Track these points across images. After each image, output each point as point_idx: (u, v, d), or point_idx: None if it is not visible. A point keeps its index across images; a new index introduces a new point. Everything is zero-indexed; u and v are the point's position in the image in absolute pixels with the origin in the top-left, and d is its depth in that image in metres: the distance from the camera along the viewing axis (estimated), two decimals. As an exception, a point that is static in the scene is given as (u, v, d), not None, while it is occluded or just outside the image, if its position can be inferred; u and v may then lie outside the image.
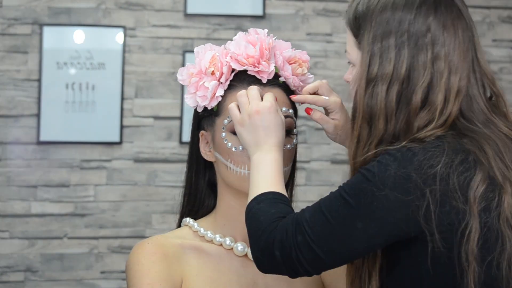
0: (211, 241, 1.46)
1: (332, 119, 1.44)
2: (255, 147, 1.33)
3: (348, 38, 1.31)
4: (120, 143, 3.46)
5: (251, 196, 1.28)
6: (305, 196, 3.13)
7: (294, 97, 1.42)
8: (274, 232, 1.20)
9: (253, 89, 1.36)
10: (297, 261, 1.19)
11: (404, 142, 1.19)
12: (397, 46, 1.22)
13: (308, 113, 1.42)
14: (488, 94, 1.29)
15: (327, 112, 1.46)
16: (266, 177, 1.29)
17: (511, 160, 1.19)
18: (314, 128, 3.51)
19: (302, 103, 1.44)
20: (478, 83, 1.25)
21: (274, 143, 1.32)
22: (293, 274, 1.22)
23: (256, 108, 1.33)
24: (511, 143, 1.21)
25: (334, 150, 3.53)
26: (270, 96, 1.36)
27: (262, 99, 1.36)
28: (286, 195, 1.29)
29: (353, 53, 1.30)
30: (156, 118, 3.49)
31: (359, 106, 1.24)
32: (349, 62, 1.33)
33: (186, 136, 3.46)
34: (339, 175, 3.47)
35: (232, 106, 1.37)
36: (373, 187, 1.14)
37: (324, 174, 3.48)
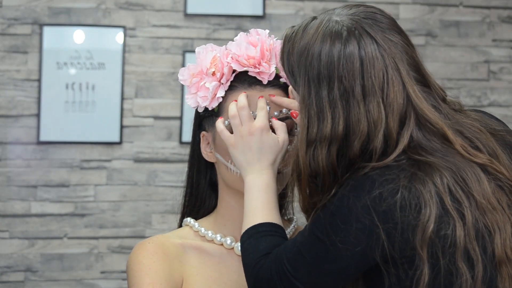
0: (212, 241, 1.47)
1: None
2: (248, 169, 1.34)
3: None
4: (120, 143, 3.46)
5: (244, 228, 1.31)
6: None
7: (273, 98, 1.41)
8: (261, 271, 1.24)
9: (244, 109, 1.36)
10: None
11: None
12: (330, 101, 1.19)
13: (293, 117, 1.41)
14: (443, 101, 1.25)
15: None
16: (257, 205, 1.31)
17: (471, 180, 1.16)
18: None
19: (280, 106, 1.42)
20: (428, 97, 1.21)
21: (266, 165, 1.34)
22: None
23: (249, 130, 1.35)
24: (471, 163, 1.18)
25: (334, 150, 3.52)
26: (261, 114, 1.36)
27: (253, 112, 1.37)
28: (278, 222, 1.30)
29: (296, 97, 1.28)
30: (156, 118, 3.49)
31: (303, 167, 1.22)
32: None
33: (186, 136, 3.46)
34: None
35: (222, 129, 1.38)
36: (337, 221, 1.15)
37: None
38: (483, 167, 1.18)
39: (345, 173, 1.20)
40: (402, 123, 1.19)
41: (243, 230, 1.30)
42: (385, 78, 1.19)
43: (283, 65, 1.27)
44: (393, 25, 1.24)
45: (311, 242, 1.18)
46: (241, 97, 1.38)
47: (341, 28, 1.21)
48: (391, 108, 1.18)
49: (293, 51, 1.24)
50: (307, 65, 1.22)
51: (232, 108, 1.37)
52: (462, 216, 1.14)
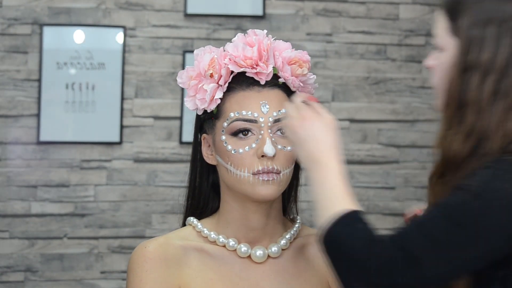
0: (214, 242, 1.46)
1: None
2: (310, 163, 1.23)
3: (440, 21, 1.24)
4: (120, 143, 3.46)
5: (325, 218, 1.16)
6: (306, 196, 3.12)
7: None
8: (378, 258, 1.10)
9: (293, 103, 1.30)
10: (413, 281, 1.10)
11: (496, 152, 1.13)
12: (498, 34, 1.16)
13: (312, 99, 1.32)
14: None
15: None
16: (339, 192, 1.18)
17: None
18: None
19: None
20: None
21: (327, 149, 1.23)
22: None
23: (297, 122, 1.26)
24: None
25: (334, 150, 3.52)
26: (298, 107, 1.29)
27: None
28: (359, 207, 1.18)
29: (445, 37, 1.22)
30: (156, 118, 3.49)
31: (450, 94, 1.17)
32: (433, 48, 1.26)
33: (186, 136, 3.47)
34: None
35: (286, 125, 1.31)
36: (481, 205, 1.09)
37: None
38: None
39: (489, 128, 1.13)
40: None
41: (326, 221, 1.16)
42: None
43: None
44: None
45: (447, 226, 1.09)
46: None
47: None
48: None
49: None
50: (480, 4, 1.19)
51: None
52: None
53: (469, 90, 1.16)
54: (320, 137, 1.23)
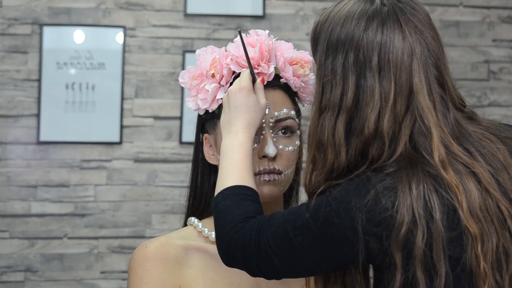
0: (214, 242, 1.46)
1: None
2: (225, 129, 1.34)
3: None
4: (120, 143, 3.46)
5: (219, 189, 1.27)
6: (303, 196, 3.12)
7: None
8: (237, 235, 1.21)
9: (244, 73, 1.37)
10: (256, 266, 1.20)
11: (356, 174, 1.16)
12: (344, 69, 1.18)
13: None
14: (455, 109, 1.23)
15: None
16: (233, 167, 1.28)
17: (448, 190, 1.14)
18: (314, 128, 3.51)
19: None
20: (442, 101, 1.20)
21: (243, 124, 1.32)
22: (252, 275, 1.23)
23: (230, 88, 1.35)
24: (466, 169, 1.15)
25: (334, 150, 3.53)
26: (245, 76, 1.36)
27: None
28: (253, 185, 1.27)
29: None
30: (156, 118, 3.49)
31: (311, 134, 1.22)
32: None
33: (186, 136, 3.47)
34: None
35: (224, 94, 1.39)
36: (333, 214, 1.13)
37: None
38: (478, 177, 1.15)
39: (350, 164, 1.17)
40: (406, 110, 1.17)
41: (218, 191, 1.27)
42: (400, 60, 1.17)
43: (312, 32, 1.27)
44: (429, 20, 1.23)
45: (301, 227, 1.16)
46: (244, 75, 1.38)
47: (374, 7, 1.21)
48: (400, 90, 1.16)
49: (324, 20, 1.24)
50: (328, 31, 1.21)
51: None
52: (425, 225, 1.11)
53: (325, 132, 1.19)
54: (240, 110, 1.32)
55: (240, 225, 1.21)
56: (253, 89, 1.36)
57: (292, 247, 1.16)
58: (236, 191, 1.25)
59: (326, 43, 1.21)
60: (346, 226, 1.13)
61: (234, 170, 1.28)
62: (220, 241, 1.24)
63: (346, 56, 1.19)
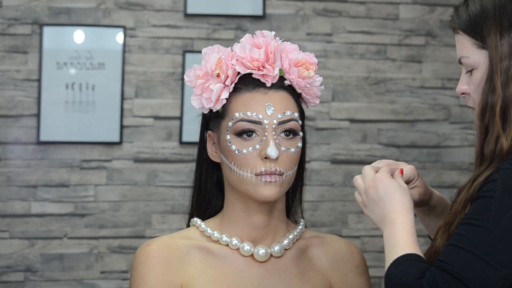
0: (217, 241, 1.47)
1: (414, 187, 1.42)
2: (382, 223, 1.30)
3: (463, 42, 1.28)
4: (120, 143, 3.46)
5: (387, 263, 1.24)
6: (305, 196, 3.13)
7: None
8: (423, 285, 1.17)
9: (366, 169, 1.36)
10: None
11: None
12: None
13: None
14: None
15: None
16: (397, 243, 1.25)
17: None
18: (314, 128, 3.51)
19: None
20: None
21: (397, 208, 1.29)
22: None
23: (368, 184, 1.33)
24: None
25: (334, 150, 3.53)
26: (382, 169, 1.35)
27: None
28: (422, 255, 1.24)
29: (474, 55, 1.26)
30: (156, 118, 3.49)
31: (496, 99, 1.21)
32: (467, 71, 1.29)
33: (186, 136, 3.47)
34: (339, 175, 3.47)
35: (356, 194, 1.38)
36: (507, 205, 1.12)
37: (324, 174, 3.48)
38: None
39: None
40: None
41: (387, 265, 1.24)
42: None
43: (461, 16, 1.28)
44: None
45: (473, 234, 1.13)
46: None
47: None
48: None
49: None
50: (502, 9, 1.22)
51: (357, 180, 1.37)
52: None
53: (509, 87, 1.19)
54: (389, 197, 1.29)
55: (419, 280, 1.17)
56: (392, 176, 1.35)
57: (474, 258, 1.13)
58: (406, 258, 1.22)
59: (501, 23, 1.22)
60: None
61: (399, 244, 1.25)
62: None
63: None
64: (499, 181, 1.14)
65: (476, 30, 1.25)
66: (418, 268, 1.19)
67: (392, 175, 1.35)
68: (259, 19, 3.53)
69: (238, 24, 3.52)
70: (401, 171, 1.37)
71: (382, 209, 1.29)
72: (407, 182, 1.39)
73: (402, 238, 1.24)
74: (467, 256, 1.14)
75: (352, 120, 3.59)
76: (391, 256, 1.23)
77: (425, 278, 1.16)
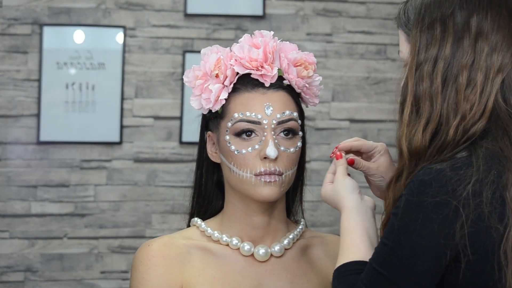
0: (217, 241, 1.48)
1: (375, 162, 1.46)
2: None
3: (400, 38, 1.32)
4: (120, 143, 3.46)
5: (336, 266, 1.30)
6: (305, 196, 3.13)
7: (340, 147, 1.45)
8: None
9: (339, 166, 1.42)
10: None
11: (432, 159, 1.19)
12: (442, 31, 1.23)
13: (352, 162, 1.44)
14: None
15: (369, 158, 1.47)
16: (343, 246, 1.30)
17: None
18: (314, 128, 3.51)
19: (347, 152, 1.46)
20: None
21: (346, 206, 1.35)
22: None
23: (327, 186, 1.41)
24: None
25: (334, 150, 3.53)
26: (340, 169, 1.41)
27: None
28: (366, 251, 1.28)
29: (406, 50, 1.31)
30: (156, 118, 3.50)
31: (409, 90, 1.25)
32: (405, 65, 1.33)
33: (186, 136, 3.47)
34: (339, 175, 3.46)
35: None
36: (407, 224, 1.15)
37: (324, 174, 3.46)
38: None
39: (445, 113, 1.20)
40: (497, 72, 1.21)
41: (335, 267, 1.30)
42: (496, 26, 1.22)
43: (400, 12, 1.31)
44: None
45: (384, 254, 1.18)
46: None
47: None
48: (497, 46, 1.21)
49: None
50: (427, 5, 1.26)
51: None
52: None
53: (422, 82, 1.23)
54: (339, 194, 1.37)
55: None
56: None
57: (385, 279, 1.17)
58: (342, 269, 1.27)
59: (424, 19, 1.26)
60: (425, 227, 1.14)
61: (345, 248, 1.31)
62: None
63: (443, 23, 1.24)
64: (403, 197, 1.18)
65: (407, 25, 1.30)
66: (349, 283, 1.24)
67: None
68: (259, 19, 3.53)
69: (238, 24, 3.53)
70: (351, 161, 1.43)
71: (335, 201, 1.38)
72: (371, 157, 1.45)
73: (346, 242, 1.30)
74: (375, 274, 1.18)
75: (352, 120, 3.59)
76: (338, 259, 1.29)
77: None
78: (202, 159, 1.52)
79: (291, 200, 1.56)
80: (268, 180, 1.40)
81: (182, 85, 3.47)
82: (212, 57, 1.43)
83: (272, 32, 1.44)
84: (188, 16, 3.50)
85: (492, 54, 1.21)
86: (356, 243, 1.29)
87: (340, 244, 1.31)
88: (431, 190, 1.14)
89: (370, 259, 1.21)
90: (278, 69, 1.43)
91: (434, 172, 1.16)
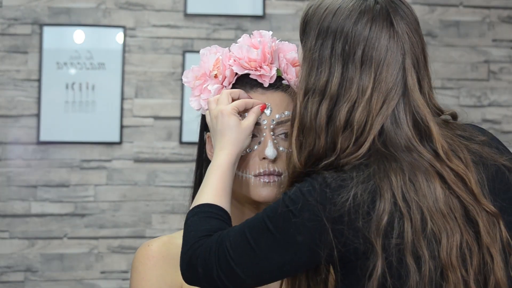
0: None
1: None
2: (214, 153, 1.35)
3: (299, 45, 1.32)
4: (120, 143, 3.46)
5: (193, 205, 1.30)
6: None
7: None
8: (199, 249, 1.22)
9: (223, 93, 1.37)
10: (218, 279, 1.19)
11: (325, 163, 1.19)
12: (332, 57, 1.22)
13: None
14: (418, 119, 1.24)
15: None
16: (208, 186, 1.30)
17: (422, 186, 1.16)
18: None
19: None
20: (406, 106, 1.21)
21: (222, 146, 1.33)
22: None
23: (214, 112, 1.36)
24: (432, 169, 1.18)
25: (334, 150, 3.53)
26: (222, 97, 1.37)
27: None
28: (225, 206, 1.29)
29: (300, 56, 1.31)
30: (156, 118, 3.49)
31: (296, 116, 1.25)
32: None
33: (186, 136, 3.47)
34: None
35: (206, 114, 1.40)
36: (290, 214, 1.16)
37: (324, 174, 3.47)
38: (443, 177, 1.18)
39: (325, 150, 1.20)
40: (382, 106, 1.20)
41: (192, 207, 1.30)
42: (384, 57, 1.20)
43: (303, 14, 1.30)
44: (417, 27, 1.26)
45: (259, 229, 1.18)
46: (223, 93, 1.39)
47: (367, 3, 1.23)
48: (379, 86, 1.20)
49: (318, 5, 1.27)
50: (321, 18, 1.24)
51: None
52: (410, 216, 1.14)
53: (309, 115, 1.22)
54: (224, 133, 1.34)
55: (201, 241, 1.23)
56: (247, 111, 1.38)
57: (251, 251, 1.18)
58: (205, 209, 1.27)
59: (318, 28, 1.24)
60: (304, 226, 1.14)
61: (208, 189, 1.29)
62: (182, 257, 1.24)
63: (334, 44, 1.22)
64: (295, 188, 1.18)
65: (302, 35, 1.30)
66: (209, 226, 1.24)
67: (246, 110, 1.38)
68: (259, 19, 3.53)
69: (238, 24, 3.52)
70: (263, 107, 1.39)
71: (214, 141, 1.35)
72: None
73: (212, 184, 1.29)
74: (244, 240, 1.19)
75: (352, 120, 3.59)
76: (197, 198, 1.29)
77: (207, 240, 1.22)
78: (202, 160, 1.52)
79: None
80: (267, 181, 1.40)
81: (182, 85, 3.47)
82: (211, 57, 1.42)
83: (270, 32, 1.44)
84: (188, 16, 3.50)
85: (373, 94, 1.20)
86: (221, 188, 1.29)
87: (204, 182, 1.30)
88: (316, 194, 1.15)
89: (242, 225, 1.21)
90: (277, 69, 1.42)
91: (321, 179, 1.16)
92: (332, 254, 1.15)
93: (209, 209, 1.27)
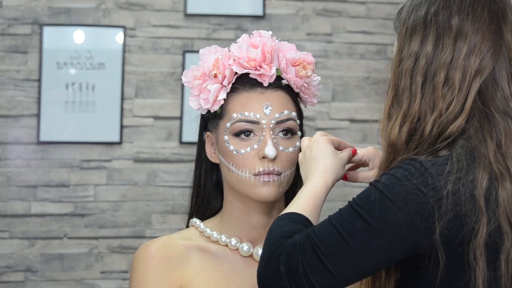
0: (216, 242, 1.48)
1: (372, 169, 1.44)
2: (304, 181, 1.33)
3: (395, 39, 1.34)
4: (120, 143, 3.46)
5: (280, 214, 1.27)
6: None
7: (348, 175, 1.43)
8: (282, 247, 1.18)
9: (317, 133, 1.39)
10: (304, 276, 1.15)
11: (415, 151, 1.20)
12: (424, 29, 1.24)
13: (346, 179, 1.42)
14: None
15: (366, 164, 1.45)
16: (298, 201, 1.27)
17: None
18: (313, 128, 3.51)
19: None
20: (506, 67, 1.23)
21: (318, 171, 1.30)
22: None
23: (308, 144, 1.35)
24: None
25: (334, 150, 3.53)
26: (318, 133, 1.38)
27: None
28: (313, 220, 1.25)
29: (394, 48, 1.33)
30: (156, 118, 3.50)
31: (391, 85, 1.27)
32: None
33: (186, 136, 3.47)
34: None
35: (299, 154, 1.39)
36: (385, 199, 1.14)
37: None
38: None
39: (422, 110, 1.21)
40: (479, 65, 1.22)
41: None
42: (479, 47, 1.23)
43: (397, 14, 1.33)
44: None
45: (350, 218, 1.16)
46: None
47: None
48: (475, 48, 1.22)
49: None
50: (411, 11, 1.28)
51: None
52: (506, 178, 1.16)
53: (402, 78, 1.25)
54: (318, 159, 1.32)
55: (285, 239, 1.19)
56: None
57: (341, 242, 1.15)
58: (292, 216, 1.24)
59: (409, 20, 1.28)
60: (402, 211, 1.13)
61: (299, 202, 1.27)
62: (262, 256, 1.21)
63: (429, 10, 1.25)
64: (386, 175, 1.18)
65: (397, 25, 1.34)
66: (294, 228, 1.21)
67: (339, 148, 1.39)
68: (259, 19, 3.53)
69: (238, 24, 3.53)
70: (354, 151, 1.41)
71: (308, 169, 1.33)
72: (363, 164, 1.43)
73: (303, 198, 1.27)
74: (332, 230, 1.16)
75: (352, 120, 3.59)
76: (286, 210, 1.27)
77: (291, 238, 1.18)
78: (201, 160, 1.52)
79: (290, 200, 1.55)
80: (267, 180, 1.40)
81: (182, 85, 3.47)
82: (210, 57, 1.43)
83: (270, 32, 1.44)
84: (188, 16, 3.50)
85: (470, 55, 1.21)
86: (310, 202, 1.27)
87: (297, 198, 1.28)
88: (413, 178, 1.15)
89: (330, 216, 1.19)
90: (277, 69, 1.43)
91: (417, 164, 1.16)
92: (433, 238, 1.13)
93: (296, 216, 1.24)
